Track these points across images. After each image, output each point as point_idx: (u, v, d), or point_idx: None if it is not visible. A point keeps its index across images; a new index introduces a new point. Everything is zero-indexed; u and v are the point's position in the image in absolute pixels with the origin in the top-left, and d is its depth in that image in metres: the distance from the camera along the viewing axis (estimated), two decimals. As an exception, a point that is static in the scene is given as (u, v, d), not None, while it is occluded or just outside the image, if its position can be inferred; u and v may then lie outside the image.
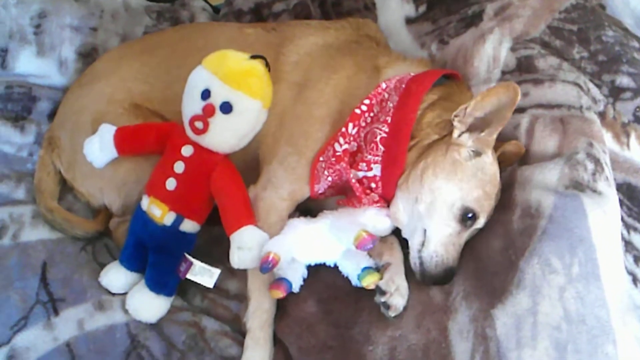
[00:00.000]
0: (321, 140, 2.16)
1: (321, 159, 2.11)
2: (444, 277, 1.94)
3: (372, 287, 1.96)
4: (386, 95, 2.11)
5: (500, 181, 2.05)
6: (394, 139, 2.04)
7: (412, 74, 2.16)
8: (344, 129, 2.08)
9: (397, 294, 1.96)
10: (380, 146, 2.04)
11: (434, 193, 1.97)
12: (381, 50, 2.42)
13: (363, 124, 2.10)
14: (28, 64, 2.78)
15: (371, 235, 1.92)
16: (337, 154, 2.08)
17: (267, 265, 1.94)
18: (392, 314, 1.95)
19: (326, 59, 2.31)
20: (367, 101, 2.10)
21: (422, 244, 1.98)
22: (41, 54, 2.79)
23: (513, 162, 2.13)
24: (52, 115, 2.64)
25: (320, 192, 2.15)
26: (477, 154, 2.00)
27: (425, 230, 1.99)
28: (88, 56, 2.82)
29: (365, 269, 1.98)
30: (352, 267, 2.02)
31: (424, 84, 2.10)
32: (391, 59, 2.32)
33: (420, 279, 1.98)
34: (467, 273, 1.94)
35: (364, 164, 2.07)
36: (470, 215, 1.96)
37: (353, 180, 2.06)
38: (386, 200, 2.11)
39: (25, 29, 2.79)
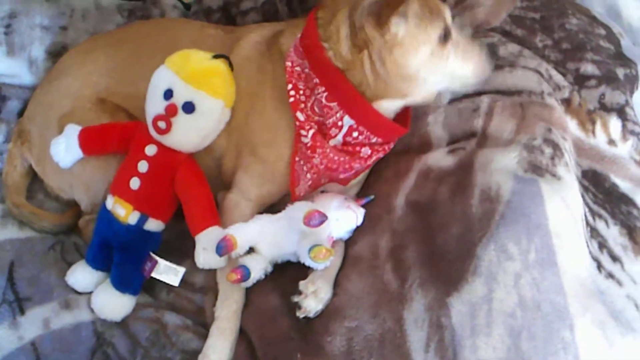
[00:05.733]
0: (282, 144, 2.17)
1: (297, 158, 2.12)
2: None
3: (321, 259, 1.95)
4: (298, 69, 2.11)
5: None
6: (335, 86, 2.04)
7: (298, 35, 2.16)
8: (297, 122, 2.09)
9: (312, 297, 1.99)
10: (331, 104, 2.05)
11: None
12: (285, 25, 2.42)
13: (307, 103, 2.10)
14: (-2, 64, 2.77)
15: (320, 212, 1.93)
16: (308, 144, 2.08)
17: (222, 244, 1.96)
18: (300, 315, 1.98)
19: (258, 58, 2.31)
20: (289, 86, 2.10)
21: None
22: (11, 54, 2.77)
23: None
24: (21, 114, 2.62)
25: (301, 194, 2.15)
26: None
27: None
28: (58, 55, 2.78)
29: (315, 245, 1.96)
30: (306, 247, 1.99)
31: (310, 31, 2.10)
32: (287, 29, 2.32)
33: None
34: (423, 259, 1.93)
35: (334, 129, 2.08)
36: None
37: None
38: (378, 144, 2.15)
39: (-6, 30, 2.78)
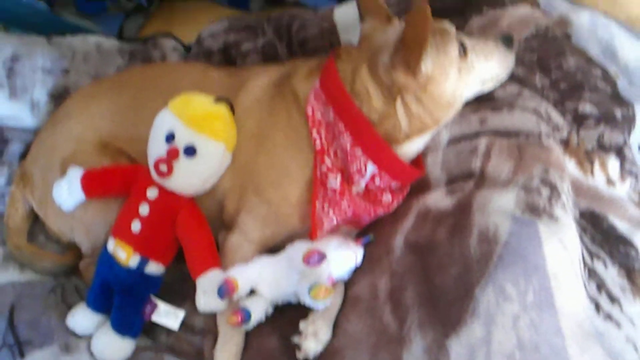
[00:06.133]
0: (289, 186, 2.17)
1: (318, 203, 2.11)
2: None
3: (321, 298, 1.94)
4: (319, 115, 2.13)
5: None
6: (362, 134, 2.06)
7: (314, 80, 2.19)
8: (324, 168, 2.10)
9: (312, 338, 1.98)
10: (355, 149, 2.07)
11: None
12: (293, 67, 2.41)
13: (330, 150, 2.11)
14: (0, 107, 2.78)
15: (319, 251, 1.94)
16: (337, 189, 2.09)
17: (223, 287, 1.96)
18: (300, 357, 1.97)
19: (268, 100, 2.31)
20: (314, 131, 2.11)
21: None
22: (13, 97, 2.80)
23: None
24: (24, 157, 2.64)
25: (322, 236, 2.15)
26: None
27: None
28: (60, 98, 2.81)
29: (315, 284, 1.96)
30: (306, 286, 1.99)
31: (331, 77, 2.12)
32: (294, 72, 2.32)
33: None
34: (422, 300, 1.92)
35: (358, 175, 2.10)
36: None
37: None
38: (396, 188, 2.19)
39: (-3, 73, 2.81)
